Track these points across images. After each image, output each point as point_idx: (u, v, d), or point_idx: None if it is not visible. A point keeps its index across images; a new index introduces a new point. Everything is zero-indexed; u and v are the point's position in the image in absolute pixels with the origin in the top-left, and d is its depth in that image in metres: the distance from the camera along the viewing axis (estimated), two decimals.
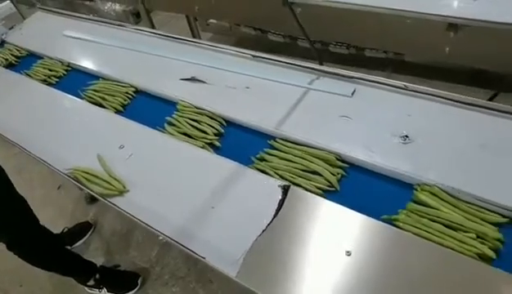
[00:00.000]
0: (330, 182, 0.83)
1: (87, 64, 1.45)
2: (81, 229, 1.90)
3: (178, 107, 1.12)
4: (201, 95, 1.14)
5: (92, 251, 1.86)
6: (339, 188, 0.82)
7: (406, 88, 0.96)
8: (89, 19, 1.78)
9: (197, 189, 0.86)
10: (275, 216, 0.76)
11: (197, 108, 1.09)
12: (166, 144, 1.01)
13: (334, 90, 1.03)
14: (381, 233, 0.69)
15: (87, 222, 1.93)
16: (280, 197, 0.79)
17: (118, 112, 1.20)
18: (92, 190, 0.93)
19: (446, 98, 0.91)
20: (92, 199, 2.06)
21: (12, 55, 1.64)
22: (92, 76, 1.39)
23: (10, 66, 1.61)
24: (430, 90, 0.93)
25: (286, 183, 0.82)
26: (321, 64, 1.13)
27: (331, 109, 0.98)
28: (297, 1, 1.50)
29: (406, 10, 1.29)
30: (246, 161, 0.92)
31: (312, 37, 1.25)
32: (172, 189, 0.89)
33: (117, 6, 3.07)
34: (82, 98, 1.29)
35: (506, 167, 0.76)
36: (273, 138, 0.96)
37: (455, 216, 0.70)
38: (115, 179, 0.92)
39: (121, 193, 0.90)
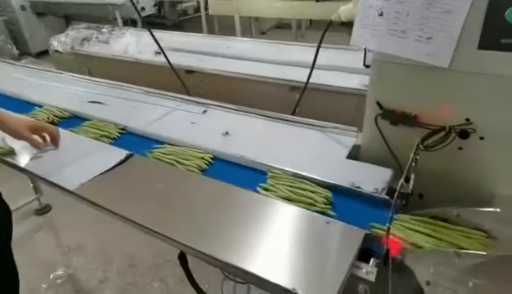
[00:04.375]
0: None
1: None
2: None
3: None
4: None
5: None
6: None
7: (234, 108, 1.39)
8: None
9: None
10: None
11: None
12: None
13: (192, 110, 1.43)
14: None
15: None
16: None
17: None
18: None
19: (254, 113, 1.35)
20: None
21: (54, 115, 1.47)
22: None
23: None
24: (248, 108, 1.37)
25: None
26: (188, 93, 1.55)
27: (187, 120, 1.36)
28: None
29: (263, 75, 1.80)
30: None
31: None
32: None
33: None
34: None
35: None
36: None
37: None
38: None
39: None
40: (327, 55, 1.88)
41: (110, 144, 1.26)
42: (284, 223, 0.86)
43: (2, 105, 1.47)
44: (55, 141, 1.22)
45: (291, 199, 0.94)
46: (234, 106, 1.40)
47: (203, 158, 1.14)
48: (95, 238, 2.34)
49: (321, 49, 1.90)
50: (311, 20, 5.80)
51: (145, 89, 1.64)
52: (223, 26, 5.77)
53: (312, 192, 0.95)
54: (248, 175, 1.07)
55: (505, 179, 0.93)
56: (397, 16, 0.90)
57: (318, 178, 0.99)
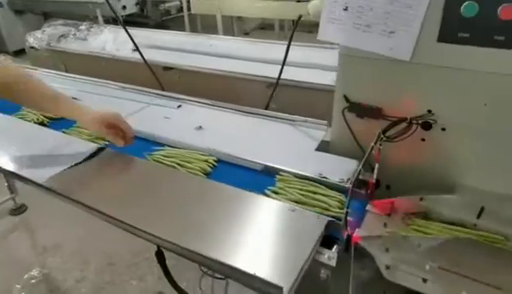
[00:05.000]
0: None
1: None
2: None
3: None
4: None
5: None
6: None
7: (208, 103, 1.40)
8: None
9: None
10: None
11: None
12: None
13: (167, 105, 1.43)
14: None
15: None
16: None
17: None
18: None
19: (228, 108, 1.37)
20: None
21: (43, 115, 1.37)
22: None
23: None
24: (221, 103, 1.39)
25: None
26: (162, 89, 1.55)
27: (161, 115, 1.37)
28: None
29: (240, 72, 1.82)
30: None
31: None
32: None
33: None
34: None
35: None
36: None
37: None
38: None
39: None
40: (305, 54, 1.91)
41: (106, 146, 1.15)
42: (251, 212, 0.87)
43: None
44: (129, 139, 1.11)
45: (301, 202, 0.91)
46: (208, 101, 1.41)
47: (206, 161, 1.08)
48: (72, 238, 2.31)
49: (298, 47, 1.94)
50: (293, 21, 5.85)
51: (121, 85, 1.63)
52: (206, 26, 5.76)
53: (324, 195, 0.92)
54: (255, 179, 1.03)
55: (466, 169, 0.97)
56: (361, 11, 0.93)
57: (287, 169, 1.01)
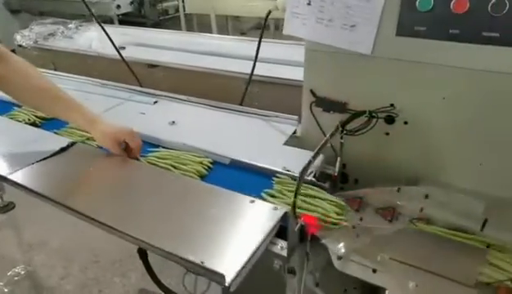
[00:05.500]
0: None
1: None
2: None
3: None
4: None
5: None
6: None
7: (184, 99, 1.42)
8: None
9: None
10: None
11: None
12: None
13: (143, 101, 1.44)
14: None
15: None
16: None
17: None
18: None
19: (203, 104, 1.38)
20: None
21: (35, 116, 1.33)
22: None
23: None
24: (197, 99, 1.39)
25: None
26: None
27: (137, 110, 1.38)
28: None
29: (222, 69, 1.82)
30: None
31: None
32: None
33: None
34: None
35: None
36: None
37: None
38: None
39: None
40: (287, 51, 1.92)
41: (99, 148, 1.11)
42: (211, 204, 0.87)
43: None
44: (135, 153, 1.06)
45: (298, 207, 0.85)
46: (183, 97, 1.42)
47: (201, 163, 1.05)
48: (58, 236, 2.31)
49: (281, 45, 1.94)
50: None
51: (102, 81, 1.64)
52: (202, 26, 5.76)
53: (322, 200, 0.90)
54: (251, 181, 0.99)
55: (427, 163, 0.98)
56: (323, 5, 0.93)
57: (253, 163, 1.02)
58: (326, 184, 0.96)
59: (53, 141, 1.15)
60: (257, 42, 1.31)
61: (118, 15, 5.31)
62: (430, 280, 0.69)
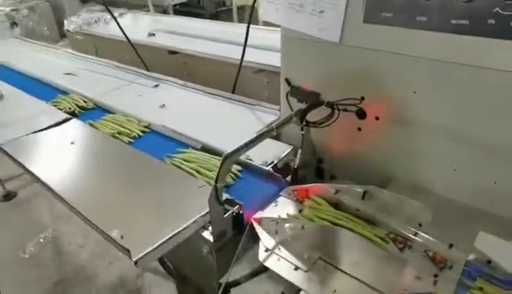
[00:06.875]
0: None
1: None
2: None
3: None
4: None
5: None
6: None
7: (181, 83, 1.43)
8: None
9: None
10: None
11: None
12: None
13: (146, 84, 1.49)
14: None
15: None
16: None
17: None
18: None
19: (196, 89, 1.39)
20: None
21: (77, 105, 1.33)
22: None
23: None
24: (193, 85, 1.40)
25: None
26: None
27: (136, 92, 1.43)
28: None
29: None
30: None
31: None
32: None
33: None
34: None
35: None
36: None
37: None
38: None
39: None
40: None
41: (131, 143, 1.11)
42: (162, 185, 0.89)
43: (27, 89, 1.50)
44: None
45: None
46: (181, 81, 1.44)
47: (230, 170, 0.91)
48: None
49: None
50: None
51: (116, 64, 1.73)
52: (254, 18, 5.79)
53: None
54: None
55: (399, 162, 0.90)
56: None
57: (222, 149, 1.01)
58: (284, 175, 0.92)
59: (49, 115, 1.24)
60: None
61: (173, 6, 5.49)
62: (348, 285, 0.63)
